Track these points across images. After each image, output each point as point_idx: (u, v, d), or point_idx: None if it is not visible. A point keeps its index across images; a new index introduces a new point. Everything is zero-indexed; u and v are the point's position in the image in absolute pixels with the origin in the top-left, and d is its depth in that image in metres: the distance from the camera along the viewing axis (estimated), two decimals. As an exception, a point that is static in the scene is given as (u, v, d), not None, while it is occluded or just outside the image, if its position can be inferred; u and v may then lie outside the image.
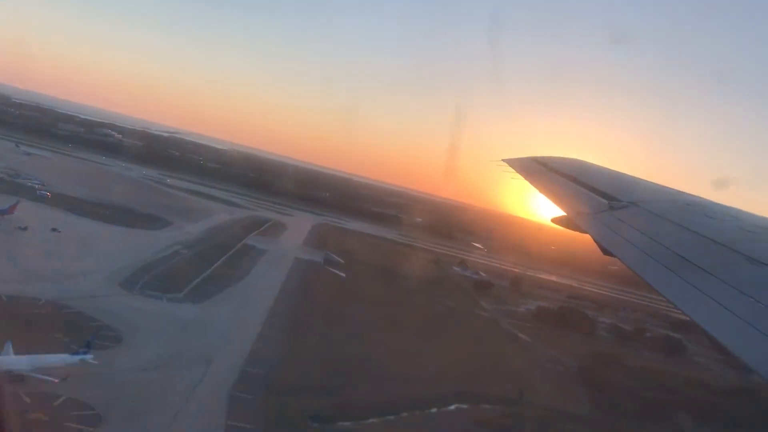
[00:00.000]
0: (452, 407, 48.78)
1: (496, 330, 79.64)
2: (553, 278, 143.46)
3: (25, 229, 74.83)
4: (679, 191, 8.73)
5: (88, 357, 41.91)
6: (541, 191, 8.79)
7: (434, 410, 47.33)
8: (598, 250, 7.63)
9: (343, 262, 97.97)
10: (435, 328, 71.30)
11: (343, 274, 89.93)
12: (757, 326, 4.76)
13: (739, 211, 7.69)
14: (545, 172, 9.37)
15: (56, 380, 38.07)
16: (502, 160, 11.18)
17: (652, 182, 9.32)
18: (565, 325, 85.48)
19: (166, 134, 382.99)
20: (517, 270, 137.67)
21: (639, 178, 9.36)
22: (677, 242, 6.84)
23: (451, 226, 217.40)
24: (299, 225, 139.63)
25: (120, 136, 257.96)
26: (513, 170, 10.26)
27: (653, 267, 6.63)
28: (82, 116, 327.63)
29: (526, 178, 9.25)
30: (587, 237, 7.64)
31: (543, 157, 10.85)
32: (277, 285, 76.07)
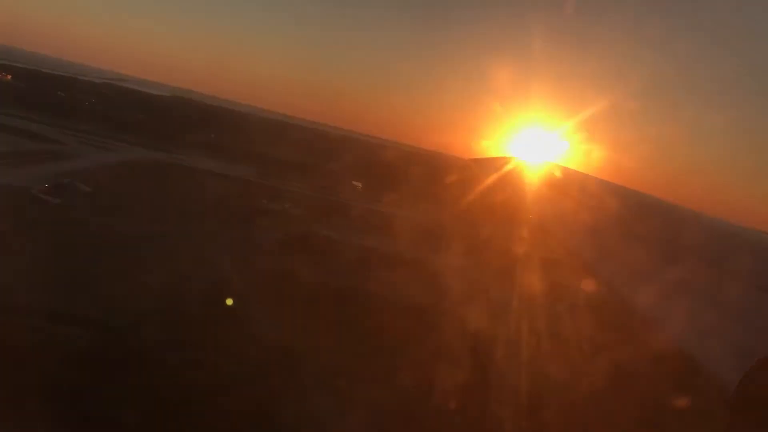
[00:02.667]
0: None
1: (174, 249, 67.56)
2: (389, 210, 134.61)
3: None
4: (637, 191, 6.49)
5: None
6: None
7: None
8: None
9: (89, 190, 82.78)
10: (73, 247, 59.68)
11: (57, 201, 75.22)
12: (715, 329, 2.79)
13: (698, 214, 5.66)
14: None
15: None
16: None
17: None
18: (304, 250, 76.90)
19: (98, 80, 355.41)
20: (359, 204, 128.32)
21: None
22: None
23: (353, 167, 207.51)
24: (97, 159, 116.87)
25: (8, 77, 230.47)
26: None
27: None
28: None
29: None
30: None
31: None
32: None
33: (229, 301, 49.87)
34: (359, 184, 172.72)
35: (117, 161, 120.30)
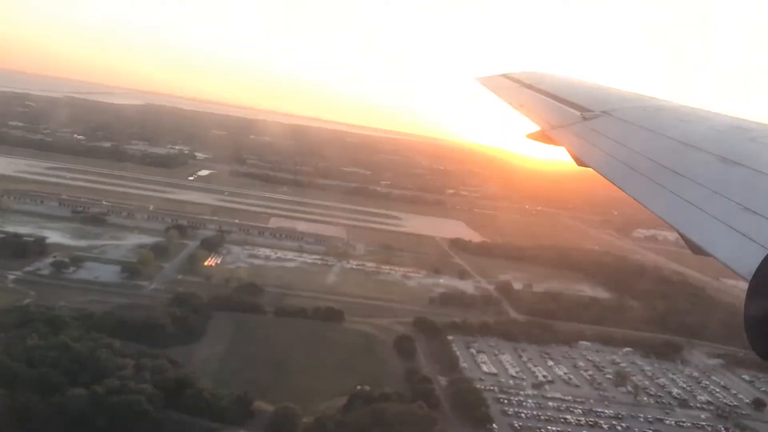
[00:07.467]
0: None
1: None
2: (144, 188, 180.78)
3: None
4: (651, 97, 8.73)
5: None
6: (514, 107, 8.74)
7: None
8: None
9: None
10: None
11: None
12: (729, 223, 4.86)
13: (710, 113, 7.74)
14: (518, 88, 9.27)
15: None
16: (476, 79, 10.87)
17: (623, 90, 9.32)
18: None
19: (59, 94, 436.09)
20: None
21: (611, 87, 9.34)
22: (649, 148, 6.90)
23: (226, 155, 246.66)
24: None
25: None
26: (486, 89, 10.06)
27: (626, 174, 6.70)
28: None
29: (499, 96, 9.15)
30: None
31: (515, 74, 10.65)
32: None
33: None
34: (214, 171, 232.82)
35: None
